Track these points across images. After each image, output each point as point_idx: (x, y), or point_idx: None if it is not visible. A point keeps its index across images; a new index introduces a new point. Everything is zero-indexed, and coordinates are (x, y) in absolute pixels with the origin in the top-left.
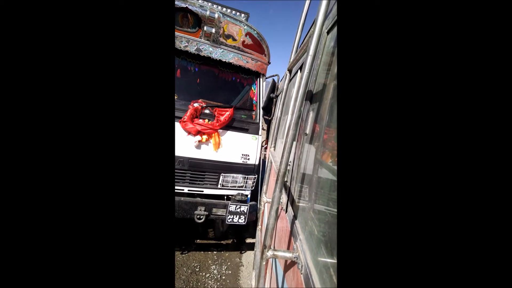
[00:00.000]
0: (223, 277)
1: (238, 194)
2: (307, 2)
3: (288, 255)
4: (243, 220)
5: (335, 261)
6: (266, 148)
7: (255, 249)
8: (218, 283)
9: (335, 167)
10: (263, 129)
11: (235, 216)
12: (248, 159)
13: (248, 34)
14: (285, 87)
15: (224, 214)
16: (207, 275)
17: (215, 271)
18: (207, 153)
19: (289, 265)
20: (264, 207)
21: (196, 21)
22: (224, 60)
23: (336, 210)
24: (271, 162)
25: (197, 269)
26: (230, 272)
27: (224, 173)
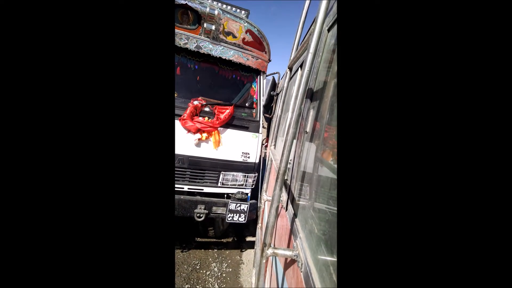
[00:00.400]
0: (224, 275)
1: (238, 192)
2: (308, 1)
3: (288, 253)
4: (243, 218)
5: (335, 259)
6: (266, 146)
7: (255, 247)
8: (219, 281)
9: (335, 165)
10: (263, 127)
11: (235, 214)
12: (249, 157)
13: (248, 31)
14: (285, 85)
15: (224, 213)
16: (208, 272)
17: (216, 269)
18: (207, 151)
19: (289, 263)
20: (264, 205)
21: (196, 18)
22: (224, 58)
23: (336, 208)
24: (272, 160)
25: (197, 267)
26: (230, 269)
27: (224, 171)
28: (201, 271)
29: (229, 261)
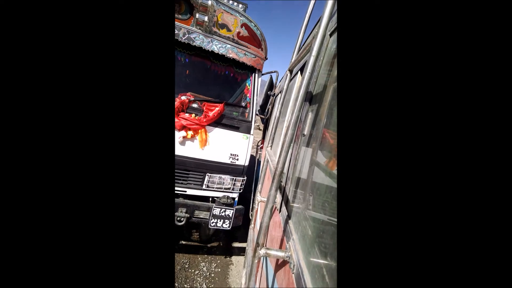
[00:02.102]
0: (212, 275)
1: (224, 196)
2: (311, 4)
3: (280, 254)
4: (228, 225)
5: (328, 262)
6: (261, 147)
7: (246, 248)
8: (207, 281)
9: (331, 169)
10: (259, 129)
11: (219, 220)
12: (237, 159)
13: (244, 25)
14: (285, 87)
15: (207, 218)
16: (196, 272)
17: (204, 269)
18: (192, 150)
19: (280, 264)
20: (258, 206)
21: (187, 8)
22: (217, 52)
23: (330, 211)
24: (268, 161)
25: (186, 266)
26: (219, 270)
27: (210, 173)
28: (190, 270)
29: (218, 261)
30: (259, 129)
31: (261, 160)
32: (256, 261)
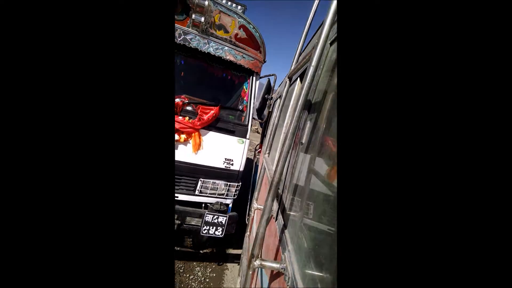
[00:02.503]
0: (207, 280)
1: (217, 203)
2: (312, 11)
3: (275, 265)
4: (220, 232)
5: (323, 274)
6: (260, 151)
7: (241, 256)
8: (201, 286)
9: (329, 179)
10: (257, 132)
11: (211, 227)
12: (232, 164)
13: (242, 27)
14: (284, 93)
15: (199, 224)
16: (191, 276)
17: (199, 273)
18: (185, 154)
19: (276, 274)
20: (254, 213)
21: (184, 8)
22: (213, 54)
23: (327, 222)
24: (265, 168)
25: (181, 270)
26: (214, 275)
27: (203, 178)
28: (185, 274)
29: (213, 267)
30: (258, 133)
31: (258, 164)
32: (251, 272)
